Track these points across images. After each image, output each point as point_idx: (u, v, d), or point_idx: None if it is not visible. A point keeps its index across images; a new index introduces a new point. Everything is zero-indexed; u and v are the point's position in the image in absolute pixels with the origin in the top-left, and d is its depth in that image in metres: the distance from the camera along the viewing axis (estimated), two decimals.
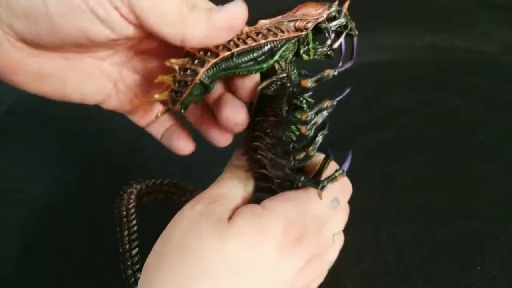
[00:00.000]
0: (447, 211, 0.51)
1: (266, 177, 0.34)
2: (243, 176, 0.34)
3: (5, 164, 0.57)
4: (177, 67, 0.30)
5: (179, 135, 0.36)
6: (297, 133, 0.32)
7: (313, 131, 0.30)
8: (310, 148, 0.30)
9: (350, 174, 0.55)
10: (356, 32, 0.33)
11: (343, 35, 0.33)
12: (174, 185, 0.47)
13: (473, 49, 0.76)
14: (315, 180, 0.31)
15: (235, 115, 0.33)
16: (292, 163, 0.31)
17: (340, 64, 0.33)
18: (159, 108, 0.36)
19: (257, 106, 0.33)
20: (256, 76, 0.32)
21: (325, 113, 0.30)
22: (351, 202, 0.52)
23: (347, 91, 0.33)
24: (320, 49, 0.33)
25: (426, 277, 0.45)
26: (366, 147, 0.59)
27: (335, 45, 0.33)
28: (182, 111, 0.32)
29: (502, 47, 0.76)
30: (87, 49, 0.31)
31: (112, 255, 0.42)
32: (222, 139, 0.35)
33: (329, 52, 0.33)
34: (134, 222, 0.43)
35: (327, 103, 0.30)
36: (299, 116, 0.30)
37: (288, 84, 0.32)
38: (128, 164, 0.52)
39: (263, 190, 0.35)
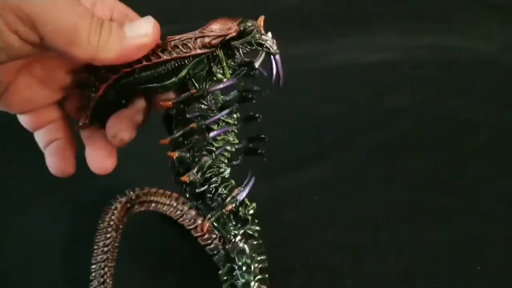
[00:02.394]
0: (447, 211, 0.51)
1: None
2: None
3: (3, 169, 0.57)
4: (86, 82, 0.30)
5: (63, 152, 0.33)
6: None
7: (189, 155, 0.30)
8: (185, 175, 0.30)
9: (350, 174, 0.56)
10: (276, 50, 0.29)
11: (261, 54, 0.30)
12: (161, 194, 0.47)
13: (473, 49, 0.76)
14: (208, 208, 0.32)
15: (121, 128, 0.31)
16: (181, 188, 0.32)
17: (271, 84, 0.30)
18: (52, 113, 0.33)
19: (168, 126, 0.31)
20: (170, 94, 0.31)
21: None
22: (351, 202, 0.53)
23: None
24: (238, 69, 0.30)
25: (426, 277, 0.45)
26: (366, 147, 0.59)
27: (257, 64, 0.30)
28: (92, 123, 0.32)
29: (503, 47, 0.76)
30: None
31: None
32: (103, 162, 0.32)
33: (252, 72, 0.30)
34: (109, 235, 0.43)
35: (192, 125, 0.29)
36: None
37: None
38: (125, 166, 0.52)
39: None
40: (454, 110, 0.64)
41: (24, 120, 0.33)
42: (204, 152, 0.31)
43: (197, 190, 0.31)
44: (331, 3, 0.86)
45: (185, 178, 0.30)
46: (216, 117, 0.30)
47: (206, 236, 0.42)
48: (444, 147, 0.59)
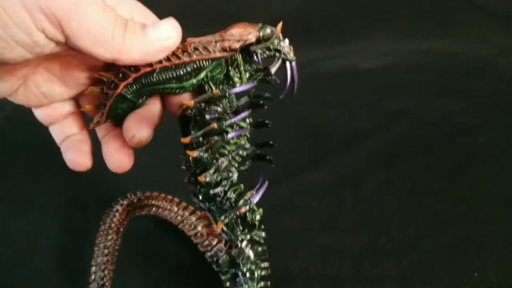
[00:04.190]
0: (446, 214, 0.51)
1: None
2: None
3: (4, 170, 0.58)
4: (105, 80, 0.30)
5: (80, 147, 0.33)
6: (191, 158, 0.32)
7: (207, 155, 0.30)
8: (202, 175, 0.30)
9: (349, 179, 0.56)
10: (293, 57, 0.30)
11: (278, 60, 0.30)
12: (163, 198, 0.47)
13: (470, 53, 0.76)
14: (221, 210, 0.32)
15: (139, 129, 0.31)
16: (195, 188, 0.32)
17: (285, 90, 0.30)
18: (67, 108, 0.34)
19: (184, 127, 0.32)
20: (186, 95, 0.31)
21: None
22: (350, 207, 0.53)
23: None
24: (255, 74, 0.31)
25: (425, 281, 0.45)
26: (366, 151, 0.59)
27: (272, 70, 0.30)
28: (107, 121, 0.32)
29: (498, 51, 0.76)
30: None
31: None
32: (121, 161, 0.32)
33: (268, 78, 0.31)
34: (110, 237, 0.43)
35: (212, 125, 0.30)
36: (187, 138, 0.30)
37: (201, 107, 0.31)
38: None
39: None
40: (452, 113, 0.65)
41: (39, 114, 0.33)
42: (220, 155, 0.31)
43: (211, 191, 0.32)
44: (330, 9, 0.87)
45: (202, 178, 0.31)
46: (236, 119, 0.31)
47: (205, 242, 0.41)
48: (443, 150, 0.59)
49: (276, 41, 0.29)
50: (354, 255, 0.48)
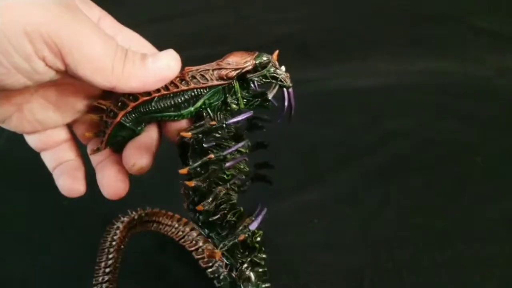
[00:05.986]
0: (445, 233, 0.51)
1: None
2: None
3: (5, 190, 0.58)
4: (105, 108, 0.31)
5: (74, 173, 0.33)
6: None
7: (205, 185, 0.30)
8: (200, 205, 0.30)
9: (348, 197, 0.56)
10: (289, 84, 0.31)
11: (275, 86, 0.31)
12: (163, 215, 0.47)
13: (466, 73, 0.77)
14: (220, 237, 0.32)
15: (139, 157, 0.31)
16: (194, 216, 0.32)
17: (282, 115, 0.31)
18: (61, 134, 0.34)
19: (183, 153, 0.32)
20: (183, 122, 0.32)
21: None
22: (350, 225, 0.53)
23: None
24: (252, 100, 0.31)
25: None
26: (364, 170, 0.60)
27: (270, 96, 0.31)
28: (106, 148, 0.32)
29: (495, 72, 0.77)
30: None
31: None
32: (117, 188, 0.32)
33: (266, 103, 0.31)
34: (111, 255, 0.43)
35: (210, 156, 0.30)
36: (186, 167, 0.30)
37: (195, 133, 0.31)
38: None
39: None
40: (449, 133, 0.65)
41: (32, 140, 0.33)
42: (218, 181, 0.32)
43: (210, 219, 0.32)
44: (328, 31, 0.88)
45: (200, 208, 0.31)
46: (233, 149, 0.31)
47: (207, 258, 0.41)
48: (441, 169, 0.59)
49: (272, 69, 0.30)
50: (355, 273, 0.48)
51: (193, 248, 0.43)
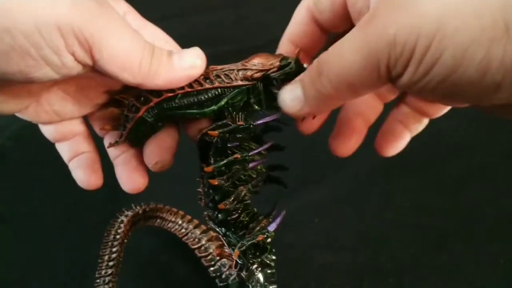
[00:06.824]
0: (446, 233, 0.52)
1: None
2: None
3: (9, 189, 0.58)
4: (127, 102, 0.31)
5: (92, 165, 0.33)
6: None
7: (228, 184, 0.31)
8: (222, 203, 0.31)
9: (348, 197, 0.56)
10: None
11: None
12: (167, 211, 0.47)
13: None
14: (237, 236, 0.32)
15: (161, 155, 0.31)
16: (213, 214, 0.32)
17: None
18: (77, 126, 0.34)
19: (202, 152, 0.32)
20: (203, 120, 0.32)
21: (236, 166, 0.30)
22: (350, 224, 0.53)
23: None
24: (274, 102, 0.31)
25: None
26: (364, 170, 0.60)
27: None
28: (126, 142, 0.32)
29: None
30: (19, 83, 0.28)
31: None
32: (137, 182, 0.32)
33: None
34: (115, 249, 0.43)
35: (236, 156, 0.30)
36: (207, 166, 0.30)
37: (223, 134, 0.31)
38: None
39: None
40: (450, 131, 0.65)
41: (47, 130, 0.33)
42: (237, 182, 0.32)
43: (228, 218, 0.32)
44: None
45: (222, 206, 0.31)
46: (259, 149, 0.31)
47: (209, 257, 0.41)
48: (442, 168, 0.59)
49: (297, 70, 0.30)
50: (354, 273, 0.48)
51: (195, 246, 0.43)
